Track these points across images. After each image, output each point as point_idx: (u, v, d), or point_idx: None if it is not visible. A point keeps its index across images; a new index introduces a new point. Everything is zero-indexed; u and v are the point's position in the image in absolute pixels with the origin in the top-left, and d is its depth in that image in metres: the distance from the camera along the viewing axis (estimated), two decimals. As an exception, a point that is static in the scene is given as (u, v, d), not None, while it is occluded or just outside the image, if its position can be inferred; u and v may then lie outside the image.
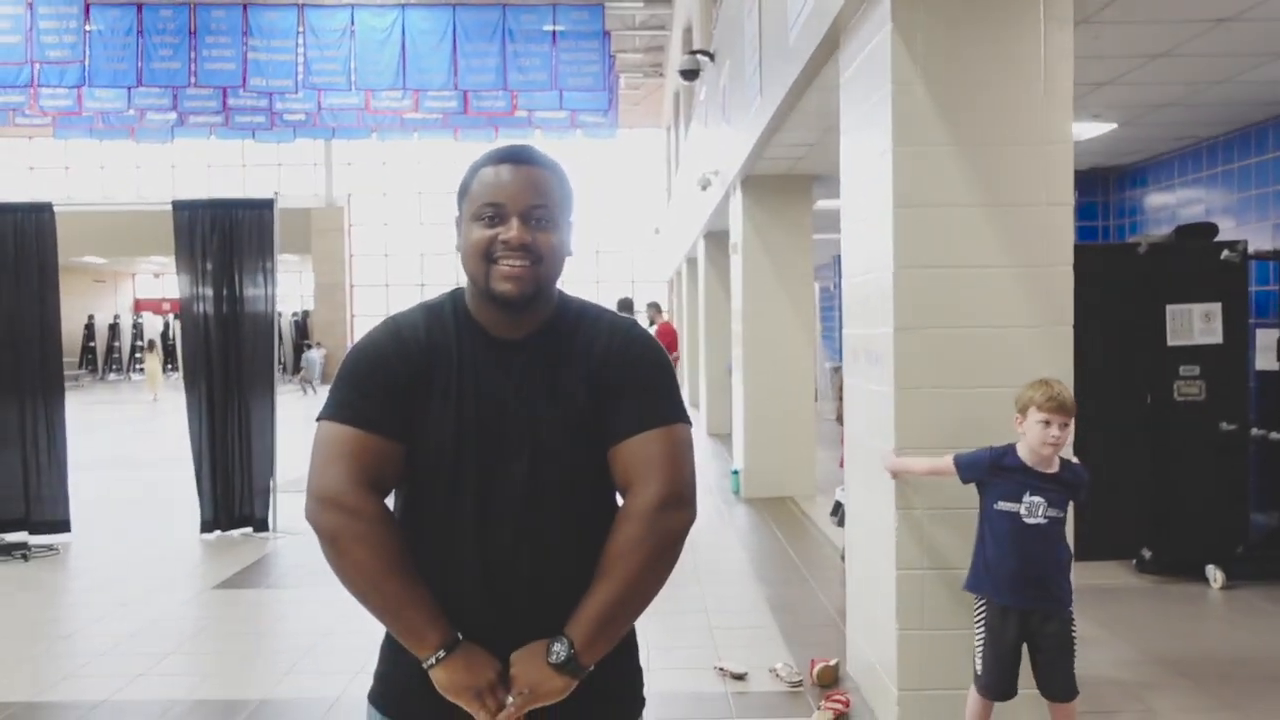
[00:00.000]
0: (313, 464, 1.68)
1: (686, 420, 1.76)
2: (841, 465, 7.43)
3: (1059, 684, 3.44)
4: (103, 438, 15.87)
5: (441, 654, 1.62)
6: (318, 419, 1.71)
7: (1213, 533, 5.95)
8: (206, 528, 7.93)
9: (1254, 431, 6.07)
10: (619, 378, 1.72)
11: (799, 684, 4.52)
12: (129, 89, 18.81)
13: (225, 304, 7.86)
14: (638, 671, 1.84)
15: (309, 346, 28.88)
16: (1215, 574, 5.88)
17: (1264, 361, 6.31)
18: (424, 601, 1.64)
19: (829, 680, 4.50)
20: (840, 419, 7.35)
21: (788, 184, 9.24)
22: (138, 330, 35.53)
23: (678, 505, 1.67)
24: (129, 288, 38.99)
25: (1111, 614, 5.37)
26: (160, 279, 38.15)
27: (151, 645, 5.28)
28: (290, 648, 5.22)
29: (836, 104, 4.73)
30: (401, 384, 1.69)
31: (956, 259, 3.82)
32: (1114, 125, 6.94)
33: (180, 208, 7.93)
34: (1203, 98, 6.14)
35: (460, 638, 1.64)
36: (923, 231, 3.82)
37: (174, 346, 35.57)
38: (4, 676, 4.84)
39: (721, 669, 4.70)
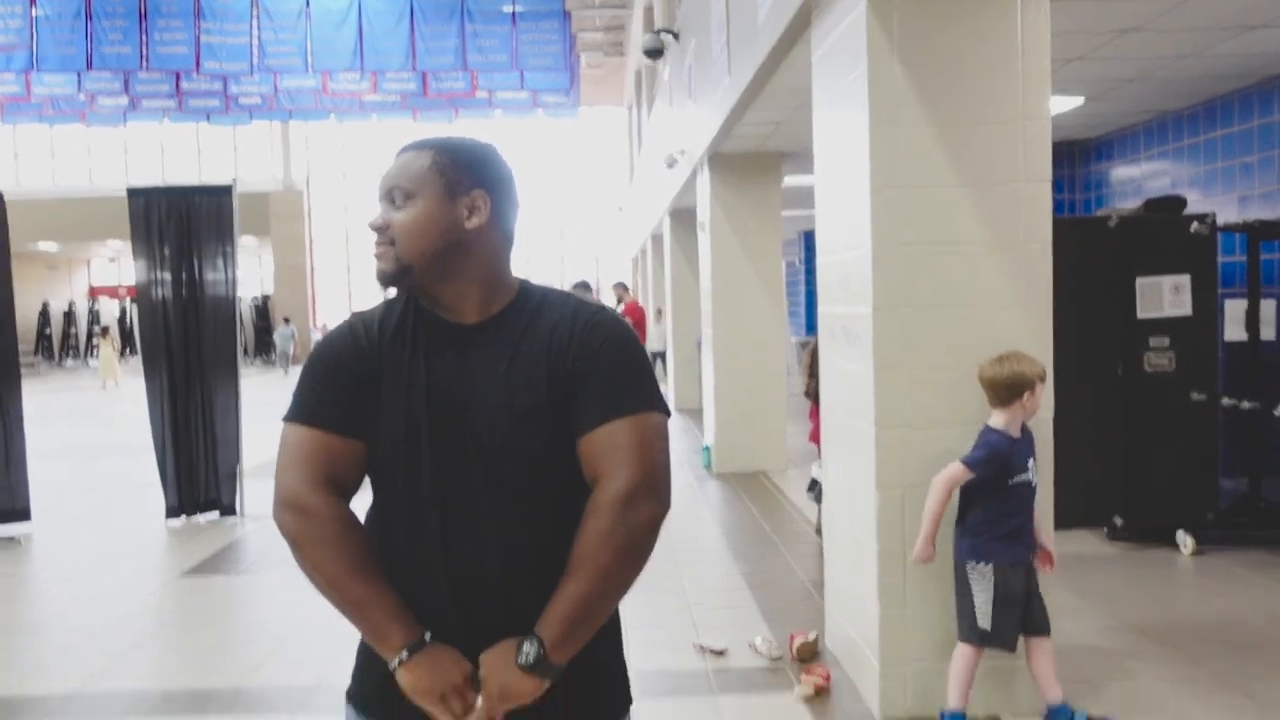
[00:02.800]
0: (276, 467, 1.66)
1: (660, 408, 1.67)
2: (811, 440, 7.46)
3: (1044, 617, 3.68)
4: (62, 425, 15.60)
5: (405, 655, 1.57)
6: (282, 420, 1.68)
7: (1183, 500, 6.03)
8: (172, 513, 7.82)
9: (1224, 401, 6.15)
10: (583, 365, 1.64)
11: (779, 659, 4.53)
12: (78, 73, 18.45)
13: (185, 289, 7.73)
14: (621, 668, 1.78)
15: (286, 322, 29.63)
16: (1186, 540, 5.96)
17: (1233, 332, 6.39)
18: (387, 602, 1.59)
19: (809, 655, 4.51)
20: (808, 394, 7.37)
21: (756, 161, 9.22)
22: (94, 316, 34.97)
23: (646, 497, 1.59)
24: (84, 274, 38.36)
25: (1086, 583, 5.42)
26: (116, 264, 37.54)
27: (122, 635, 5.20)
28: (264, 635, 5.16)
29: (807, 82, 4.69)
30: (356, 380, 1.65)
31: (935, 237, 3.81)
32: (1082, 100, 6.97)
33: (135, 195, 7.78)
34: (1170, 72, 6.18)
35: (427, 638, 1.59)
36: (901, 210, 3.80)
37: (131, 332, 35.10)
38: (-29, 673, 4.76)
39: (701, 646, 4.70)
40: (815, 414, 7.17)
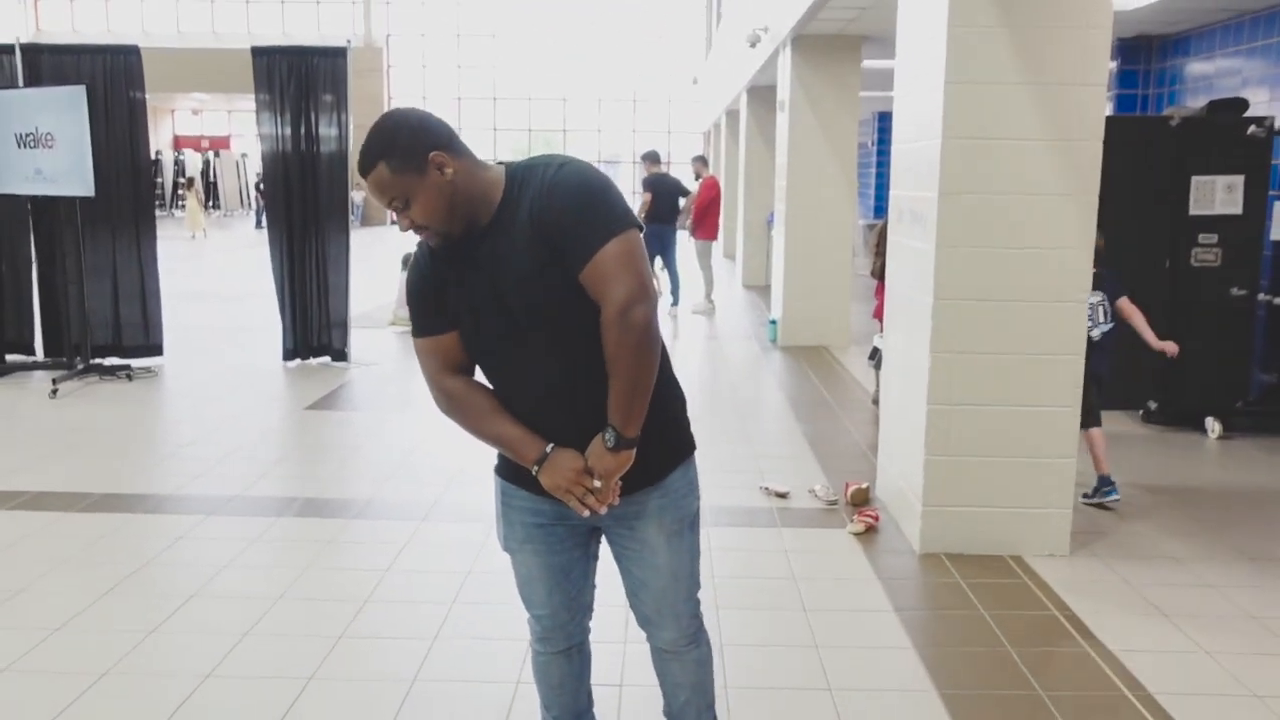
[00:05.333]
0: (421, 370, 2.27)
1: (629, 225, 2.10)
2: (875, 316, 7.99)
3: None
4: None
5: (537, 467, 2.17)
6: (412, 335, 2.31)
7: (1216, 388, 6.52)
8: (288, 356, 8.64)
9: (1261, 296, 6.56)
10: (557, 215, 2.06)
11: (835, 502, 5.20)
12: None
13: (304, 144, 8.36)
14: (680, 426, 2.34)
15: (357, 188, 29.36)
16: (1213, 425, 6.46)
17: (1279, 232, 6.74)
18: (516, 432, 2.17)
19: (861, 500, 5.17)
20: (874, 273, 7.88)
21: (838, 44, 9.51)
22: (179, 167, 35.86)
23: (639, 301, 2.04)
24: (168, 124, 39.20)
25: (1114, 456, 5.94)
26: (199, 116, 38.26)
27: (263, 454, 6.02)
28: (385, 460, 5.91)
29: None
30: (432, 293, 2.21)
31: (998, 132, 4.27)
32: (1158, -4, 7.17)
33: (259, 54, 8.35)
34: (1246, -26, 6.39)
35: (548, 450, 2.16)
36: (970, 106, 4.27)
37: (215, 184, 36.01)
38: (148, 473, 5.61)
39: (767, 489, 5.37)
40: (880, 292, 7.69)
